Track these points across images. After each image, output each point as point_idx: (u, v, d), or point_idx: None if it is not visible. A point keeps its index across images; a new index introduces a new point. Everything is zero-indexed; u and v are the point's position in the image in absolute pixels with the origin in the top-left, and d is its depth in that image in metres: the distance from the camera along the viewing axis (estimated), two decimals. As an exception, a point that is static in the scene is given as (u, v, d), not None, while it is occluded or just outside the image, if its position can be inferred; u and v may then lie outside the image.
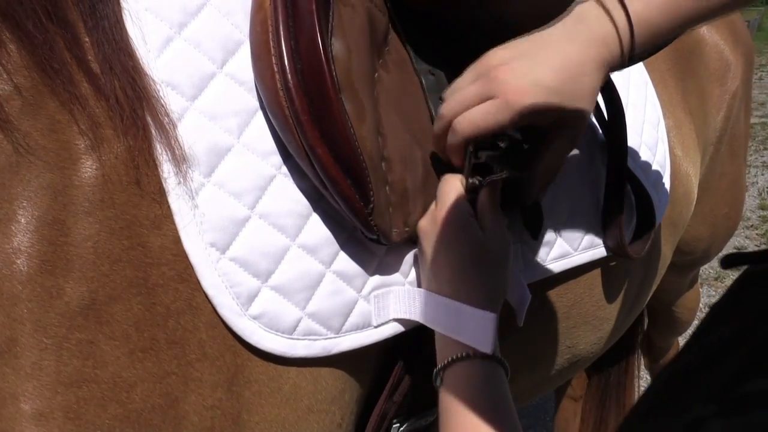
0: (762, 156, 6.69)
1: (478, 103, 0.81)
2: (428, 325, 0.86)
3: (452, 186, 0.87)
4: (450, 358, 0.77)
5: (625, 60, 0.82)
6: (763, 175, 6.14)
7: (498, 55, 0.81)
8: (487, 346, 0.76)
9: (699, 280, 2.41)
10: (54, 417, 0.67)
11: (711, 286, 4.23)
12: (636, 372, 2.36)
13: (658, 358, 2.53)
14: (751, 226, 5.08)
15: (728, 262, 0.78)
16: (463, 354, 0.76)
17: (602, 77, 0.82)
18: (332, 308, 0.85)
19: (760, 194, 5.64)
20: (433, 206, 0.89)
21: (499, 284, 0.84)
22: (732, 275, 4.34)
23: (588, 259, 1.20)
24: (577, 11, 0.81)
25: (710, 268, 4.32)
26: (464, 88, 0.83)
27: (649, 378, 2.74)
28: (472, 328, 0.77)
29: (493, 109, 0.80)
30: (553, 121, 0.82)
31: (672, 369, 0.58)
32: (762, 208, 5.41)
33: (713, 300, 4.01)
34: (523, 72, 0.79)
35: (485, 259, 0.83)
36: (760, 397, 0.45)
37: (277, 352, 0.80)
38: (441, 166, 0.92)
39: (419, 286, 0.93)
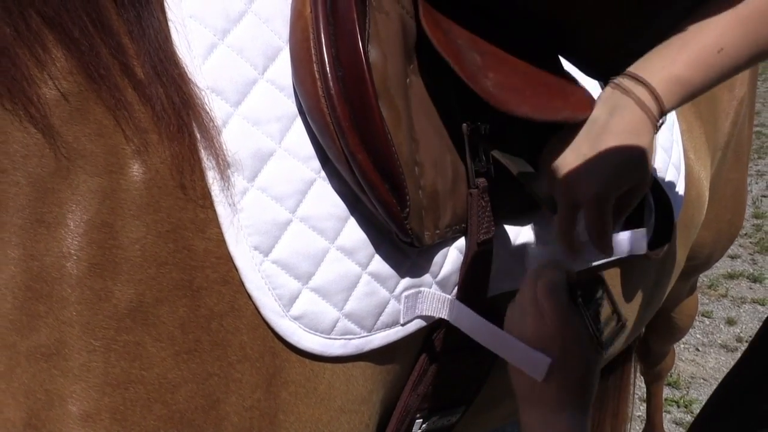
0: (756, 165, 6.72)
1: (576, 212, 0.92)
2: (474, 338, 0.89)
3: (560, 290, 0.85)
4: None
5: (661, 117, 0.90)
6: (757, 183, 6.17)
7: (565, 162, 0.90)
8: (540, 376, 0.79)
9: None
10: (101, 418, 0.68)
11: (705, 294, 4.25)
12: (631, 378, 2.38)
13: (655, 364, 2.54)
14: (745, 234, 5.10)
15: None
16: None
17: (652, 139, 0.90)
18: (367, 308, 0.87)
19: (754, 203, 5.67)
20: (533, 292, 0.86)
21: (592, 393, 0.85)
22: (726, 284, 4.37)
23: (606, 259, 1.22)
24: (610, 103, 0.90)
25: (704, 277, 4.34)
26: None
27: (643, 384, 2.75)
28: (526, 359, 0.81)
29: (592, 215, 0.90)
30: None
31: (740, 371, 0.62)
32: (756, 216, 5.44)
33: (707, 308, 4.03)
34: (590, 176, 0.88)
35: (590, 378, 0.84)
36: None
37: (315, 352, 0.82)
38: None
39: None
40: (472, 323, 0.90)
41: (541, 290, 0.82)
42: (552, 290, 0.82)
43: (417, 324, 0.94)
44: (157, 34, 0.74)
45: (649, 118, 0.88)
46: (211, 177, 0.75)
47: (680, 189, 1.43)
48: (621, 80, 0.90)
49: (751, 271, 4.53)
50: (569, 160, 0.90)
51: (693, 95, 0.90)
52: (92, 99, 0.71)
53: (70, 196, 0.69)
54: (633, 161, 0.89)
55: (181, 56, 0.76)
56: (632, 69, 0.90)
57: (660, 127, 0.90)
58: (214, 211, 0.76)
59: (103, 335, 0.68)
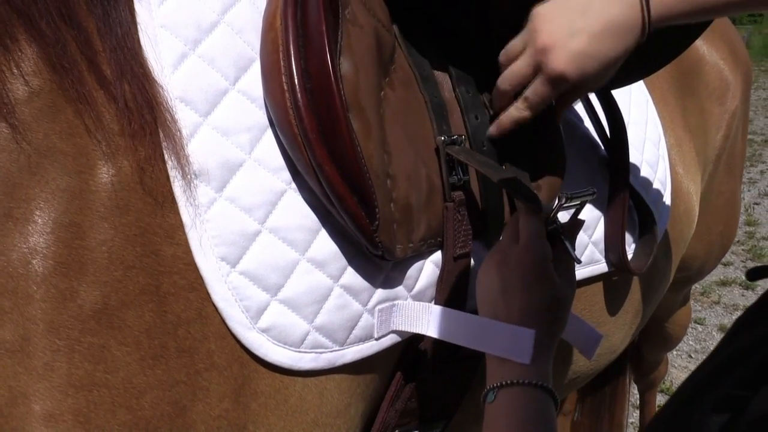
0: (748, 172, 6.72)
1: (531, 75, 0.90)
2: (454, 341, 0.88)
3: (534, 224, 0.87)
4: (509, 381, 0.78)
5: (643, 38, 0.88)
6: (749, 191, 6.18)
7: (545, 26, 0.87)
8: (526, 357, 0.78)
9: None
10: (64, 419, 0.67)
11: (697, 301, 4.26)
12: (627, 386, 2.38)
13: (648, 373, 2.55)
14: (737, 241, 5.10)
15: (754, 275, 0.87)
16: (525, 381, 0.77)
17: (626, 52, 0.88)
18: (338, 321, 0.86)
19: (746, 210, 5.67)
20: (505, 236, 0.90)
21: (561, 326, 0.86)
22: (718, 291, 4.37)
23: (588, 274, 1.22)
24: None
25: (697, 284, 4.32)
26: (516, 60, 0.91)
27: (636, 391, 2.76)
28: (510, 342, 0.79)
29: (544, 89, 0.90)
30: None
31: (700, 372, 0.64)
32: (748, 224, 5.44)
33: (700, 315, 4.03)
34: (567, 39, 0.85)
35: (556, 306, 0.84)
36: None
37: (284, 365, 0.81)
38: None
39: (444, 303, 0.94)
40: (448, 325, 0.89)
41: (521, 211, 0.87)
42: (529, 212, 0.86)
43: (392, 339, 0.93)
44: (124, 34, 0.74)
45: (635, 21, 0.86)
46: (177, 183, 0.75)
47: (666, 204, 1.42)
48: None
49: (744, 278, 4.53)
50: (551, 21, 0.88)
51: (689, 14, 0.87)
52: (63, 96, 0.70)
53: (39, 193, 0.68)
54: (610, 49, 0.86)
55: (147, 58, 0.75)
56: None
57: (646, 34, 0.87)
58: (181, 219, 0.75)
59: (67, 335, 0.68)
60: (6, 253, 0.66)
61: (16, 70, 0.69)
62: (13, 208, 0.67)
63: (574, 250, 0.91)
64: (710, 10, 0.86)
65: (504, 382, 0.78)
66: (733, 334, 0.76)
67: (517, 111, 0.93)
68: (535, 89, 0.90)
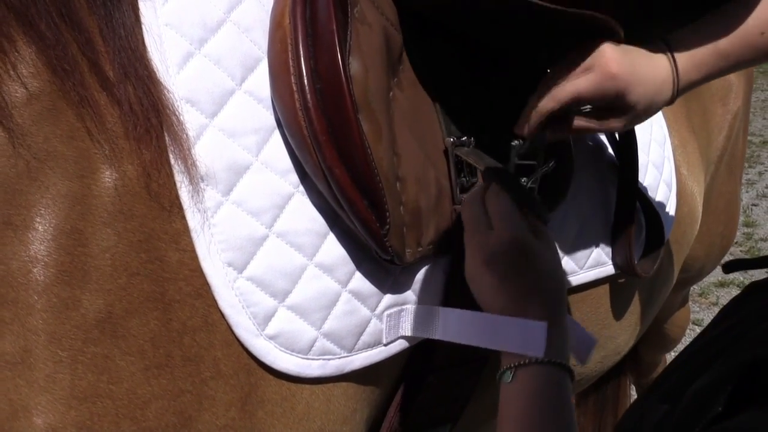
0: (746, 173, 6.73)
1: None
2: (466, 342, 0.84)
3: (503, 205, 0.83)
4: (526, 360, 0.75)
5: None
6: (747, 192, 6.18)
7: (614, 56, 0.88)
8: (540, 350, 0.75)
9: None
10: None
11: (696, 302, 4.26)
12: (628, 388, 2.38)
13: (647, 374, 2.54)
14: (736, 242, 5.10)
15: (730, 267, 0.90)
16: (544, 359, 0.75)
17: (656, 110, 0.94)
18: (347, 327, 0.84)
19: (745, 211, 5.67)
20: (473, 226, 0.85)
21: (562, 291, 0.83)
22: (717, 292, 4.37)
23: (594, 277, 1.21)
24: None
25: (695, 285, 4.33)
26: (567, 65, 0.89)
27: (635, 393, 2.75)
28: (523, 337, 0.77)
29: (595, 79, 0.87)
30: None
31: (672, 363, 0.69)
32: (746, 225, 5.45)
33: (698, 316, 4.03)
34: (621, 54, 0.87)
35: (551, 279, 0.81)
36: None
37: (292, 372, 0.80)
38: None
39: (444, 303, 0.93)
40: (458, 327, 0.86)
41: (488, 197, 0.83)
42: (492, 193, 0.83)
43: (400, 344, 0.91)
44: (128, 35, 0.72)
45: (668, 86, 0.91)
46: (184, 187, 0.73)
47: (672, 206, 1.41)
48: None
49: (742, 279, 4.53)
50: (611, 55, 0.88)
51: (704, 81, 0.94)
52: (63, 99, 0.69)
53: (39, 199, 0.67)
54: (653, 87, 0.90)
55: (152, 60, 0.74)
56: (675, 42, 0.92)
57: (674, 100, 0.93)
58: (187, 223, 0.74)
59: (70, 346, 0.66)
60: (6, 262, 0.65)
61: (12, 73, 0.67)
62: (12, 215, 0.66)
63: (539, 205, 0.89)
64: (719, 73, 0.94)
65: (522, 362, 0.76)
66: (705, 331, 0.79)
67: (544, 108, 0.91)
68: (589, 79, 0.88)
